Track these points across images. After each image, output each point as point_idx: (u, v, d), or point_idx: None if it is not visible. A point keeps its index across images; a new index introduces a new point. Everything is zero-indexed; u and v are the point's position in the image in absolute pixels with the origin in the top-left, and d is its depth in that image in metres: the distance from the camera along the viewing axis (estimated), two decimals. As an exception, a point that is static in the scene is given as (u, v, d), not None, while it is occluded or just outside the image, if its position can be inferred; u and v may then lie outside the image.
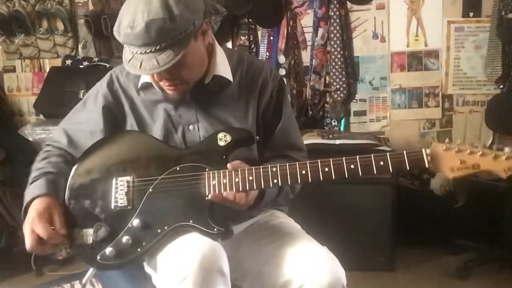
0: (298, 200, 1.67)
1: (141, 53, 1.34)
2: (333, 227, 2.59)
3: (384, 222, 2.86)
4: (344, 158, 1.33)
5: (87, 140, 1.59)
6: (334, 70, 3.33)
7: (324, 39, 3.35)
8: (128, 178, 1.46)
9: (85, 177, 1.51)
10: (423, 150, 1.28)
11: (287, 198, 1.63)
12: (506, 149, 1.23)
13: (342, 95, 3.34)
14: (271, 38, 3.47)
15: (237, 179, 1.37)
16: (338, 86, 3.33)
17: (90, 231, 1.44)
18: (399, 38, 3.36)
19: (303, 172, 1.34)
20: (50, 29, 3.74)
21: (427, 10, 3.31)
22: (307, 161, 1.36)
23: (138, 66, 1.35)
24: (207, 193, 1.39)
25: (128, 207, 1.44)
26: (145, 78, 1.54)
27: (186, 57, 1.37)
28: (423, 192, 3.12)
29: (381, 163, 1.31)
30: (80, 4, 3.76)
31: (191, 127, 1.55)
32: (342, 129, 3.44)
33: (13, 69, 3.96)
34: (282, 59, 3.42)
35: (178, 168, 1.44)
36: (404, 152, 1.30)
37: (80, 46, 3.77)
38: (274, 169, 1.36)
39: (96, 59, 3.59)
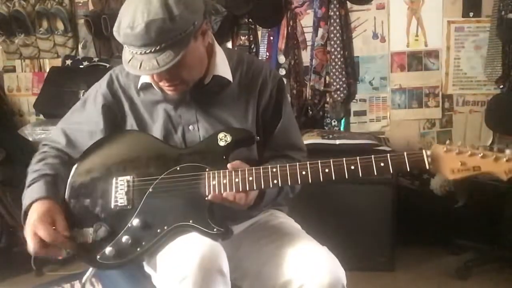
0: (298, 200, 1.67)
1: (141, 53, 1.34)
2: (333, 227, 2.59)
3: (384, 222, 2.86)
4: (344, 159, 1.33)
5: (86, 140, 1.59)
6: (334, 70, 3.32)
7: (324, 39, 3.34)
8: (128, 177, 1.46)
9: (85, 176, 1.51)
10: (424, 151, 1.28)
11: (287, 198, 1.63)
12: (507, 151, 1.23)
13: (342, 95, 3.34)
14: (271, 38, 3.47)
15: (237, 179, 1.37)
16: (338, 86, 3.33)
17: (90, 230, 1.44)
18: (399, 38, 3.36)
19: (303, 172, 1.35)
20: (50, 29, 3.73)
21: (427, 10, 3.30)
22: (307, 162, 1.36)
23: (138, 66, 1.35)
24: (207, 193, 1.39)
25: (128, 206, 1.44)
26: (145, 79, 1.54)
27: (186, 57, 1.37)
28: (423, 192, 3.11)
29: (382, 164, 1.31)
30: (80, 4, 3.76)
31: (191, 127, 1.55)
32: (342, 129, 3.44)
33: (13, 69, 3.96)
34: (282, 59, 3.42)
35: (178, 168, 1.44)
36: (405, 153, 1.30)
37: (80, 46, 3.76)
38: (274, 169, 1.36)
39: (96, 59, 3.58)
